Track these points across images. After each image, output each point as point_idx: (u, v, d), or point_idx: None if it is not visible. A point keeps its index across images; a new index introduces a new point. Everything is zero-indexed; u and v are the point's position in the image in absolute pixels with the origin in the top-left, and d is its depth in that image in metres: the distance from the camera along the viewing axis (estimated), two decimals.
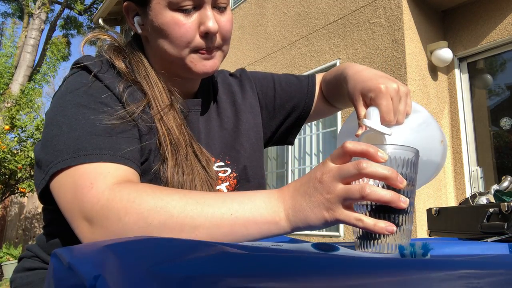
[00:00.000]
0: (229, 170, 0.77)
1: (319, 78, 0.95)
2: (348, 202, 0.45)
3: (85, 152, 0.57)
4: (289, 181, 4.41)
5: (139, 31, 0.72)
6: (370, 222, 0.43)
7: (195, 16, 0.67)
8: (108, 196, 0.53)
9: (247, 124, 0.84)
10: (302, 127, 0.98)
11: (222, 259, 0.28)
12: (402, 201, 0.43)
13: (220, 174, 0.76)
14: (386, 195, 0.43)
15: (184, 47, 0.67)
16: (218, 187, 0.74)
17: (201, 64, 0.69)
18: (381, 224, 0.43)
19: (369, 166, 0.43)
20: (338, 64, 3.96)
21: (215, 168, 0.75)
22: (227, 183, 0.76)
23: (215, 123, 0.80)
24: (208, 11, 0.67)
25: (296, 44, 4.54)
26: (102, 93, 0.64)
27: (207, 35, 0.67)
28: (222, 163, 0.77)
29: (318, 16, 4.31)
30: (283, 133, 0.93)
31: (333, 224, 0.47)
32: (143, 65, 0.72)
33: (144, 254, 0.31)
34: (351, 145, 0.45)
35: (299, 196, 0.49)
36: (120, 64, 0.69)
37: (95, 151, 0.58)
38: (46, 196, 0.62)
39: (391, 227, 0.43)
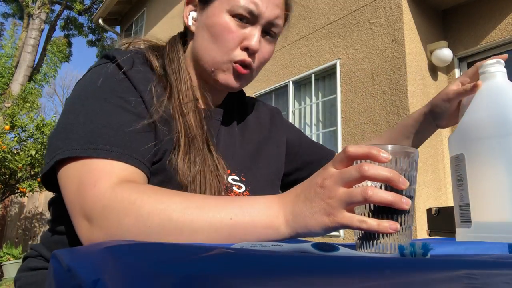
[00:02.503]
0: (243, 187, 0.75)
1: None
2: (351, 206, 0.45)
3: (96, 146, 0.57)
4: None
5: (189, 23, 0.75)
6: (373, 222, 0.43)
7: (245, 30, 0.70)
8: (110, 196, 0.52)
9: (270, 153, 0.84)
10: (303, 127, 0.98)
11: (222, 259, 0.28)
12: (405, 203, 0.43)
13: (235, 189, 0.74)
14: (389, 197, 0.42)
15: (225, 52, 0.69)
16: None
17: (228, 76, 0.71)
18: (385, 224, 0.43)
19: (371, 168, 0.43)
20: (338, 64, 3.96)
21: (230, 181, 0.74)
22: None
23: (235, 139, 0.80)
24: (257, 31, 0.70)
25: (296, 44, 4.54)
26: (126, 91, 0.64)
27: (246, 51, 0.70)
28: (237, 178, 0.76)
29: (318, 16, 4.31)
30: (291, 183, 0.93)
31: (334, 229, 0.46)
32: (178, 59, 0.73)
33: (143, 256, 0.31)
34: (353, 149, 0.45)
35: (299, 202, 0.48)
36: (153, 61, 0.70)
37: (105, 147, 0.57)
38: (49, 182, 0.62)
39: (395, 225, 0.43)
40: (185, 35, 0.79)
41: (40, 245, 0.73)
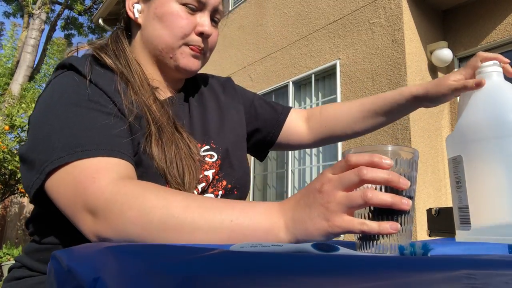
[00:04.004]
0: (216, 156, 0.78)
1: (299, 112, 1.00)
2: (351, 210, 0.44)
3: (82, 148, 0.57)
4: (289, 181, 4.41)
5: (136, 16, 0.76)
6: (374, 225, 0.43)
7: (195, 17, 0.75)
8: (112, 190, 0.53)
9: (231, 118, 0.86)
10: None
11: (222, 259, 0.28)
12: (405, 203, 0.43)
13: (207, 159, 0.76)
14: (388, 198, 0.42)
15: (180, 38, 0.73)
16: (206, 173, 0.74)
17: (188, 59, 0.75)
18: (386, 225, 0.43)
19: (369, 171, 0.43)
20: (338, 64, 3.96)
21: (201, 153, 0.76)
22: (213, 170, 0.76)
23: (197, 112, 0.82)
24: (207, 17, 0.75)
25: (296, 44, 4.54)
26: (93, 93, 0.64)
27: (201, 36, 0.75)
28: (208, 147, 0.78)
29: (318, 16, 4.31)
30: (254, 144, 0.98)
31: (335, 235, 0.46)
32: (125, 53, 0.75)
33: (143, 256, 0.31)
34: (355, 157, 0.44)
35: (299, 208, 0.48)
36: (106, 59, 0.71)
37: (92, 147, 0.58)
38: (38, 197, 0.60)
39: (395, 225, 0.43)
40: (127, 29, 0.81)
41: (24, 256, 0.73)
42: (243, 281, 0.21)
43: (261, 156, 1.02)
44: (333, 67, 4.05)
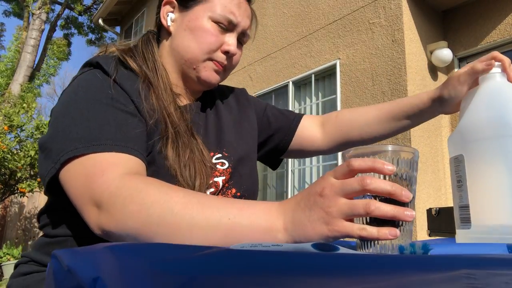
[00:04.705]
0: (227, 164, 0.80)
1: (313, 118, 1.01)
2: (351, 217, 0.45)
3: (98, 142, 0.60)
4: (289, 181, 4.41)
5: (168, 24, 0.80)
6: (373, 230, 0.43)
7: (224, 36, 0.79)
8: (118, 184, 0.54)
9: (244, 129, 0.89)
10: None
11: (222, 259, 0.28)
12: (408, 215, 0.43)
13: (218, 167, 0.79)
14: (390, 211, 0.43)
15: (206, 52, 0.77)
16: (215, 179, 0.77)
17: (210, 73, 0.79)
18: (385, 230, 0.43)
19: (373, 182, 0.43)
20: (338, 64, 3.96)
21: (213, 160, 0.79)
22: (223, 177, 0.78)
23: (212, 122, 0.85)
24: (234, 38, 0.79)
25: (296, 44, 4.54)
26: (116, 92, 0.67)
27: (226, 54, 0.79)
28: (220, 155, 0.80)
29: (318, 16, 4.31)
30: (267, 153, 1.00)
31: (334, 239, 0.46)
32: (153, 56, 0.78)
33: (143, 256, 0.31)
34: (357, 162, 0.44)
35: (299, 210, 0.48)
36: (130, 62, 0.74)
37: (107, 142, 0.60)
38: (52, 187, 0.63)
39: (394, 231, 0.43)
40: (158, 34, 0.84)
41: (32, 251, 0.74)
42: (243, 281, 0.21)
43: (273, 164, 1.04)
44: (333, 67, 4.05)
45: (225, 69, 0.81)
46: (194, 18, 0.77)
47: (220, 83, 0.96)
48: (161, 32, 0.84)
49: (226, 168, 0.79)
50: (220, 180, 0.77)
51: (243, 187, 0.81)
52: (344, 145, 0.96)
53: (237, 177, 0.80)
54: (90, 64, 0.72)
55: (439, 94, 0.81)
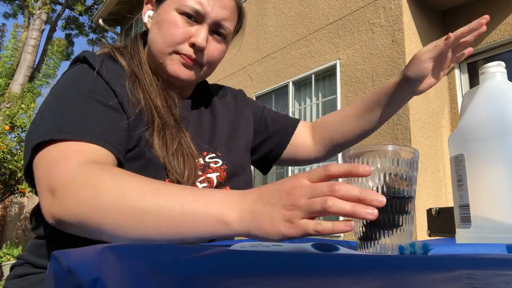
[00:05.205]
0: (220, 162, 0.79)
1: (306, 125, 1.00)
2: (311, 215, 0.43)
3: (68, 130, 0.60)
4: None
5: (145, 20, 0.81)
6: (328, 225, 0.42)
7: (192, 28, 0.75)
8: (75, 171, 0.54)
9: (240, 129, 0.89)
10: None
11: (222, 259, 0.28)
12: (369, 213, 0.41)
13: (212, 165, 0.78)
14: (348, 207, 0.41)
15: (170, 45, 0.74)
16: (208, 175, 0.76)
17: (177, 66, 0.75)
18: (340, 223, 0.41)
19: (342, 188, 0.42)
20: (338, 64, 3.96)
21: (207, 160, 0.78)
22: (217, 173, 0.77)
23: (206, 123, 0.85)
24: (204, 29, 0.75)
25: (296, 44, 4.54)
26: (99, 86, 0.68)
27: (193, 47, 0.75)
28: (214, 154, 0.80)
29: (318, 16, 4.31)
30: (261, 157, 0.99)
31: (289, 238, 0.44)
32: (138, 53, 0.79)
33: (143, 256, 0.31)
34: (335, 168, 0.43)
35: (260, 203, 0.46)
36: (119, 58, 0.76)
37: (79, 131, 0.60)
38: (31, 177, 0.62)
39: (350, 223, 0.41)
40: (146, 33, 0.84)
41: (26, 253, 0.74)
42: (243, 281, 0.21)
43: (265, 169, 1.02)
44: (333, 67, 4.05)
45: (198, 64, 0.77)
46: (163, 11, 0.76)
47: (217, 84, 0.97)
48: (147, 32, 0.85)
49: (220, 166, 0.79)
50: (214, 176, 0.77)
51: (236, 185, 0.81)
52: (333, 149, 0.96)
53: (231, 176, 0.80)
54: (78, 60, 0.73)
55: (403, 75, 0.81)
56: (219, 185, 0.78)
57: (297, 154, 0.98)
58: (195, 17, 0.74)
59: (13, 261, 5.86)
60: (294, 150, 0.97)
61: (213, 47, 0.78)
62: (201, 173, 0.75)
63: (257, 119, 0.96)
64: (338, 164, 0.44)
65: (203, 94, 0.90)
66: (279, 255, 0.30)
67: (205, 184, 0.75)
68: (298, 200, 0.43)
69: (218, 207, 0.48)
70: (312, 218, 0.43)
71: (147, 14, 0.81)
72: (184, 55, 0.75)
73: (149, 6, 0.82)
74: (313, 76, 4.31)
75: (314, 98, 4.34)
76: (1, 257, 5.96)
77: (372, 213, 0.41)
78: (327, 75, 4.22)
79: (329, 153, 0.97)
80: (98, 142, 0.60)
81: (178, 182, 0.69)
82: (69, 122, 0.61)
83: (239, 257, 0.29)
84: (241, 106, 0.94)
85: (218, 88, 0.95)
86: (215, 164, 0.79)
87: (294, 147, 0.97)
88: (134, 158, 0.68)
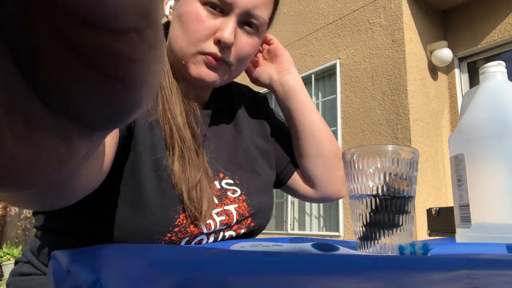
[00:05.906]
0: (239, 191, 0.70)
1: None
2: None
3: None
4: None
5: (166, 12, 0.68)
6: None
7: (218, 21, 0.62)
8: None
9: (262, 152, 0.78)
10: None
11: (222, 259, 0.28)
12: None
13: (229, 194, 0.69)
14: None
15: (193, 44, 0.62)
16: (226, 208, 0.68)
17: (200, 69, 0.63)
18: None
19: None
20: (338, 64, 3.96)
21: (224, 185, 0.69)
22: (236, 205, 0.69)
23: (226, 140, 0.75)
24: (231, 21, 0.62)
25: (296, 44, 4.54)
26: None
27: (219, 44, 0.62)
28: (231, 181, 0.71)
29: (318, 16, 4.31)
30: None
31: None
32: None
33: (143, 256, 0.31)
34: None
35: None
36: None
37: None
38: None
39: None
40: (167, 26, 0.71)
41: (28, 250, 0.72)
42: (243, 281, 0.21)
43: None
44: (333, 67, 4.05)
45: (226, 63, 0.64)
46: (184, 2, 0.63)
47: (239, 83, 0.85)
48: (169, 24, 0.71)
49: (238, 196, 0.70)
50: (232, 208, 0.68)
51: (258, 217, 0.72)
52: (309, 181, 0.83)
53: (254, 208, 0.71)
54: None
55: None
56: (242, 220, 0.69)
57: (292, 193, 0.88)
58: (220, 7, 0.61)
59: (13, 260, 5.86)
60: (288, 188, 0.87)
61: (243, 42, 0.64)
62: (217, 202, 0.66)
63: (276, 134, 0.84)
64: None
65: (224, 100, 0.78)
66: (279, 255, 0.30)
67: (223, 218, 0.66)
68: None
69: None
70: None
71: (169, 4, 0.68)
72: (209, 54, 0.62)
73: None
74: (313, 75, 4.31)
75: (314, 98, 4.34)
76: (1, 257, 5.97)
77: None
78: (327, 75, 4.22)
79: (314, 191, 0.85)
80: None
81: (195, 218, 0.60)
82: None
83: (238, 257, 0.29)
84: (264, 122, 0.83)
85: (240, 90, 0.83)
86: (233, 193, 0.69)
87: (289, 187, 0.86)
88: (127, 178, 0.59)
